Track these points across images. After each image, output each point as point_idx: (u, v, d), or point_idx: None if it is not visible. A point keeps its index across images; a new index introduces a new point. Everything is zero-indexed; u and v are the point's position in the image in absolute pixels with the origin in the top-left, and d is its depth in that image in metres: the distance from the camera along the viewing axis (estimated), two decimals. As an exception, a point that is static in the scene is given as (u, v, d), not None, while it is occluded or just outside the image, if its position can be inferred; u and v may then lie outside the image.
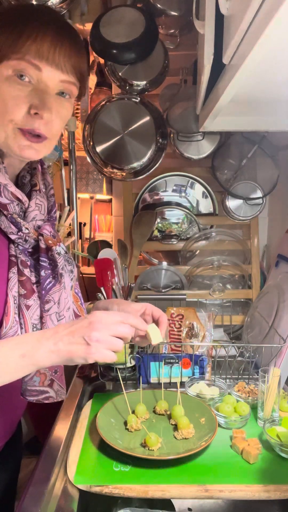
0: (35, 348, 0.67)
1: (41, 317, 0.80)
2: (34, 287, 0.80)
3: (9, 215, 0.76)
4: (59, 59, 0.71)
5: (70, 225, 1.56)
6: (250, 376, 1.25)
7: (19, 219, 0.77)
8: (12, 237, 0.77)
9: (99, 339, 0.67)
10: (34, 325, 0.79)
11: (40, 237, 0.80)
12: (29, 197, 0.82)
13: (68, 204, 1.66)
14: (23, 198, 0.79)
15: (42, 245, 0.80)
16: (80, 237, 3.28)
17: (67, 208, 1.58)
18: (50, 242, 0.80)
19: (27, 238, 0.79)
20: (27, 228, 0.78)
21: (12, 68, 0.70)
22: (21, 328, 0.77)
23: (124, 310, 0.93)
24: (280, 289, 1.34)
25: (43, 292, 0.80)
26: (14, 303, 0.76)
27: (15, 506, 0.99)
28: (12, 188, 0.76)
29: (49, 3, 1.16)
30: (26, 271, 0.78)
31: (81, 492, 0.81)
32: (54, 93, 0.74)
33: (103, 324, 0.69)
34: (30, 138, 0.73)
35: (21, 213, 0.79)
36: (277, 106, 0.97)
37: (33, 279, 0.80)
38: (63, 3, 1.20)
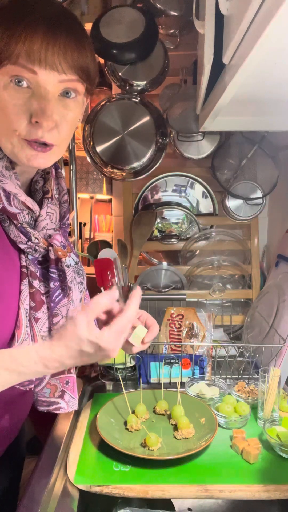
0: (41, 372, 0.68)
1: (49, 330, 0.79)
2: (44, 298, 0.78)
3: (19, 225, 0.73)
4: (53, 59, 0.64)
5: (70, 225, 1.56)
6: (250, 376, 1.25)
7: (28, 228, 0.75)
8: (22, 246, 0.75)
9: (116, 351, 0.69)
10: (43, 337, 0.78)
11: (50, 248, 0.78)
12: (41, 204, 0.79)
13: (68, 204, 1.65)
14: (34, 207, 0.76)
15: (52, 256, 0.78)
16: (80, 237, 3.28)
17: (67, 208, 1.58)
18: (59, 253, 0.78)
19: (36, 247, 0.77)
20: (36, 238, 0.76)
21: (8, 74, 0.65)
22: (32, 341, 0.77)
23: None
24: (280, 289, 1.34)
25: (52, 304, 0.78)
26: (26, 317, 0.75)
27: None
28: (23, 197, 0.73)
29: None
30: (35, 283, 0.77)
31: (81, 492, 0.81)
32: (55, 96, 0.68)
33: (112, 347, 0.68)
34: (37, 147, 0.69)
35: (31, 222, 0.77)
36: (277, 106, 0.97)
37: (43, 289, 0.79)
38: (63, 3, 1.20)
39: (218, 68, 0.85)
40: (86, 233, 3.47)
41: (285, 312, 1.25)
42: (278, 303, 1.30)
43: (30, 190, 0.82)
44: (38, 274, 0.78)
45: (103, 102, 1.37)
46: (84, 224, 3.46)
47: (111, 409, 1.03)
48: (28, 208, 0.75)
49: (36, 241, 0.76)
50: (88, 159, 1.41)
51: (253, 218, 1.53)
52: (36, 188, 0.82)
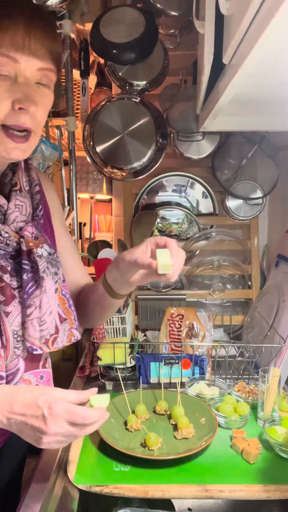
0: None
1: (23, 323, 0.78)
2: (16, 292, 0.78)
3: None
4: (35, 47, 0.69)
5: (70, 225, 1.56)
6: (250, 376, 1.25)
7: None
8: None
9: (50, 441, 0.66)
10: (15, 332, 0.77)
11: (22, 239, 0.77)
12: (9, 197, 0.79)
13: (68, 204, 1.65)
14: (1, 200, 0.76)
15: (24, 247, 0.77)
16: (80, 237, 3.28)
17: (67, 208, 1.58)
18: (31, 244, 0.78)
19: (8, 242, 0.76)
20: (6, 232, 0.75)
21: None
22: (2, 335, 0.75)
23: (132, 254, 0.81)
24: (280, 289, 1.34)
25: (25, 296, 0.77)
26: None
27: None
28: None
29: (49, 3, 1.16)
30: (6, 277, 0.76)
31: (81, 492, 0.81)
32: (34, 83, 0.72)
33: (58, 423, 0.65)
34: (17, 139, 0.72)
35: (0, 216, 0.77)
36: (277, 106, 0.97)
37: (15, 284, 0.78)
38: (63, 3, 1.20)
39: (218, 68, 0.85)
40: (86, 233, 3.48)
41: (285, 312, 1.25)
42: (278, 303, 1.30)
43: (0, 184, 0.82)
44: (9, 268, 0.77)
45: (103, 102, 1.37)
46: (84, 224, 3.46)
47: (111, 409, 1.03)
48: None
49: (7, 235, 0.75)
50: (88, 159, 1.41)
51: (253, 218, 1.53)
52: (5, 181, 0.82)
